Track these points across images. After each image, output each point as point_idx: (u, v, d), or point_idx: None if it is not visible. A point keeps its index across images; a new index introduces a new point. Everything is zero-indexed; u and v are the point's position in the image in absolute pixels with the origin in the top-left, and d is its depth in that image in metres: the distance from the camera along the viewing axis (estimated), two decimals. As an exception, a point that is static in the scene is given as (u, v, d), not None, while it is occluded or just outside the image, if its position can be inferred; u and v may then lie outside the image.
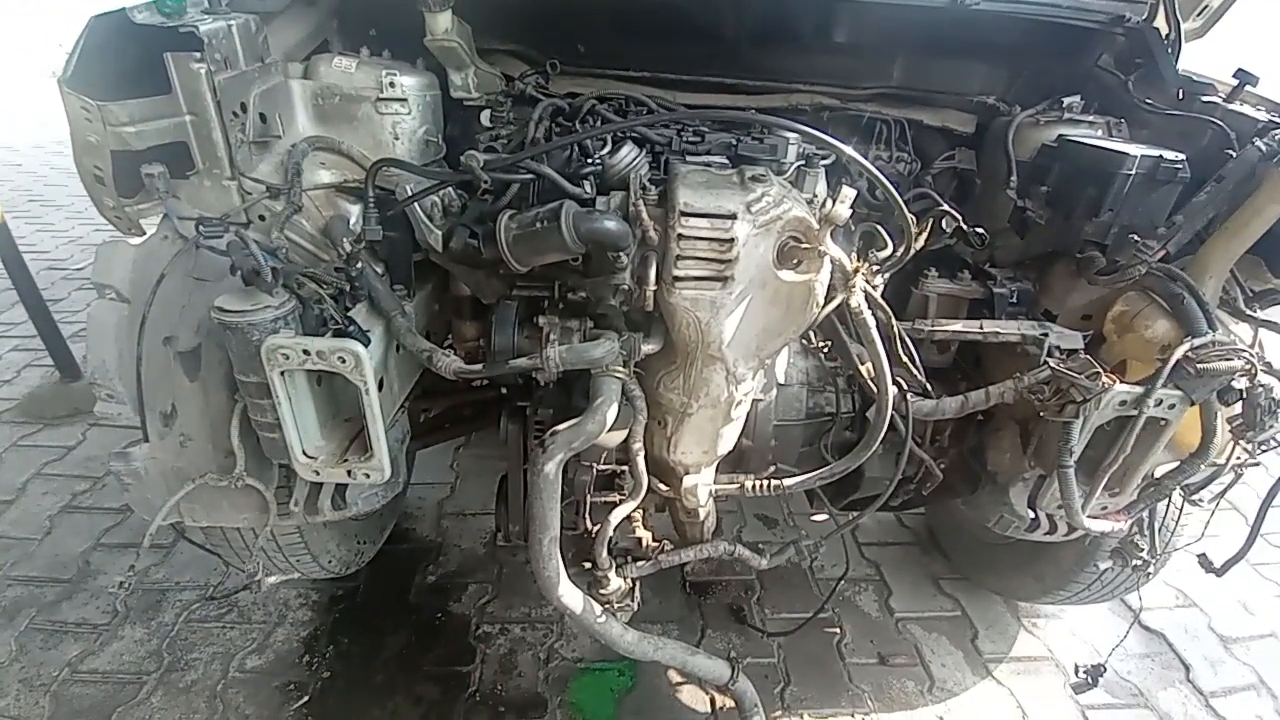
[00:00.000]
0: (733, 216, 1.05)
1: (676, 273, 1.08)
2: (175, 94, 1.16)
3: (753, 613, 2.09)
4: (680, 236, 1.05)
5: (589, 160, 1.17)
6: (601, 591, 1.40)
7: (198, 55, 1.14)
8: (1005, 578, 2.07)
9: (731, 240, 1.05)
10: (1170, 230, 1.26)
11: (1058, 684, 1.94)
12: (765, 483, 1.33)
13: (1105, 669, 1.62)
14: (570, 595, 1.31)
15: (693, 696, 1.84)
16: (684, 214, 1.04)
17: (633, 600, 1.45)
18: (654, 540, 1.46)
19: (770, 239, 1.09)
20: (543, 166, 1.08)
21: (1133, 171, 1.27)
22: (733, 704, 1.59)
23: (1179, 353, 1.12)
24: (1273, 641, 2.11)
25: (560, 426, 1.16)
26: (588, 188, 1.09)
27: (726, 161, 1.26)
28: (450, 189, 1.41)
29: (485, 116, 1.64)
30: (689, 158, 1.27)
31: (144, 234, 1.33)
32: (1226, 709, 1.89)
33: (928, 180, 1.85)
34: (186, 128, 1.19)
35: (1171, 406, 1.16)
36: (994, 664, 2.00)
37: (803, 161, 1.30)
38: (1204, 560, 1.35)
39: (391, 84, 1.43)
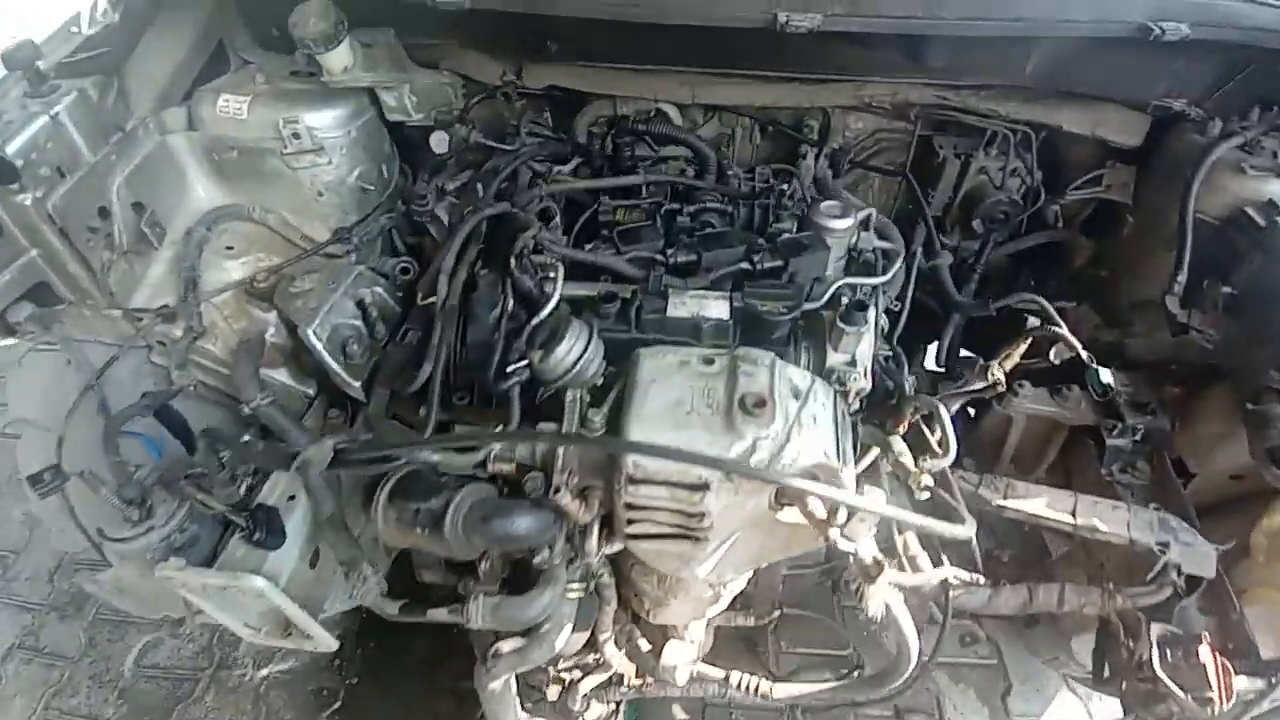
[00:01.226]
0: (705, 488, 0.74)
1: (630, 531, 0.82)
2: (10, 234, 0.93)
3: (767, 644, 2.02)
4: (629, 506, 0.77)
5: (522, 338, 0.85)
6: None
7: (15, 186, 0.88)
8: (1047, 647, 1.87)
9: (701, 514, 0.76)
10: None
11: (1091, 760, 1.81)
12: (754, 685, 1.15)
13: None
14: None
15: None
16: (633, 480, 0.75)
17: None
18: (636, 676, 1.34)
19: (764, 494, 0.79)
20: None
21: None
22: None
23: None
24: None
25: (504, 646, 1.00)
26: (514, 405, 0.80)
27: (725, 315, 0.91)
28: (381, 293, 1.14)
29: (436, 141, 1.30)
30: (673, 298, 0.93)
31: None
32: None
33: (1053, 211, 1.36)
34: (38, 265, 0.97)
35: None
36: (1022, 728, 1.88)
37: (842, 307, 0.93)
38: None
39: (295, 135, 1.11)
